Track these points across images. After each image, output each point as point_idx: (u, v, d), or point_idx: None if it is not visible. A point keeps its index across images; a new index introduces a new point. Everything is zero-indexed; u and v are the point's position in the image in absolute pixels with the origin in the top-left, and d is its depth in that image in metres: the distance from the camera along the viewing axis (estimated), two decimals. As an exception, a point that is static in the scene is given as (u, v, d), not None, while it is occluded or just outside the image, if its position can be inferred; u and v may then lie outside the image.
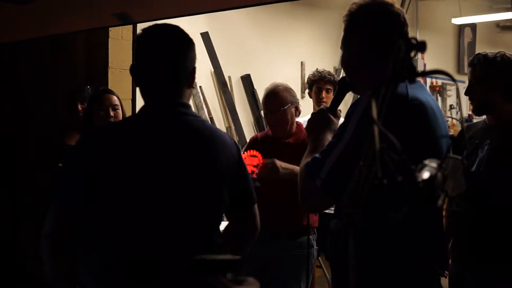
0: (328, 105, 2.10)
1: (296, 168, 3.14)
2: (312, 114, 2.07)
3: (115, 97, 3.38)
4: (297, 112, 3.42)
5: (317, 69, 4.22)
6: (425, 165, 1.02)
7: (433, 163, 1.02)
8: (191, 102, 3.44)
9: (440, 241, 1.93)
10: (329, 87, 4.08)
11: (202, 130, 1.95)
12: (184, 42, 1.95)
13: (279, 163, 3.15)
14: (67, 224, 1.84)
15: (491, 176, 2.63)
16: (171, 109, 1.92)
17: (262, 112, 3.52)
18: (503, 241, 2.60)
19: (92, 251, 1.91)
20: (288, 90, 3.40)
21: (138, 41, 1.96)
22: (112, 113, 3.31)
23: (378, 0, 1.88)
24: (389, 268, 1.75)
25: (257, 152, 3.20)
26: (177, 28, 1.96)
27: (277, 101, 3.33)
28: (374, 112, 1.00)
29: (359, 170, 1.08)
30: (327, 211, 4.05)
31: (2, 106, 4.80)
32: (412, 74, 0.97)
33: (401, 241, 1.72)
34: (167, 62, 1.91)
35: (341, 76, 2.07)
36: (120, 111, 3.35)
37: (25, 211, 4.64)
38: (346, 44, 1.94)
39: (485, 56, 2.73)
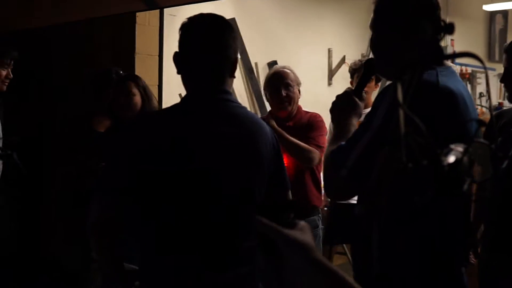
0: (363, 92, 2.03)
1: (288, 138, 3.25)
2: (337, 97, 2.02)
3: (131, 84, 3.36)
4: (299, 94, 3.50)
5: (359, 59, 4.26)
6: (451, 149, 0.99)
7: (459, 147, 1.00)
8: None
9: (465, 230, 1.88)
10: None
11: (245, 117, 2.00)
12: (228, 31, 1.99)
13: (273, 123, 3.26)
14: (110, 216, 1.88)
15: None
16: (214, 96, 1.97)
17: (267, 93, 3.52)
18: None
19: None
20: (293, 71, 3.49)
21: (184, 29, 1.99)
22: (123, 101, 3.31)
23: None
24: (412, 255, 1.70)
25: None
26: (221, 18, 2.01)
27: (290, 77, 3.42)
28: (400, 95, 0.98)
29: (384, 155, 1.06)
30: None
31: (36, 91, 4.86)
32: (439, 57, 0.95)
33: (425, 228, 1.67)
34: (212, 51, 1.96)
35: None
36: (136, 97, 3.34)
37: (50, 197, 4.70)
38: (376, 26, 1.88)
39: None
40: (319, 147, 3.34)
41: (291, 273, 1.04)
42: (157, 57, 4.40)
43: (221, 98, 1.98)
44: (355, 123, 1.92)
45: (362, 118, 1.94)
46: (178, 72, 2.02)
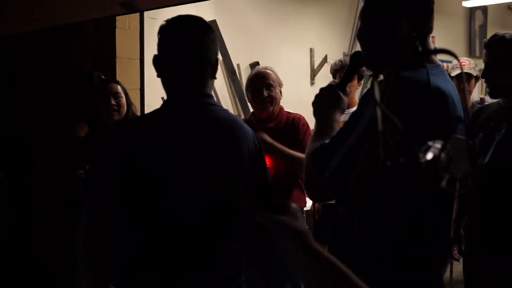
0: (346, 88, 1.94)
1: (284, 150, 3.22)
2: (321, 89, 1.92)
3: (116, 85, 3.38)
4: (281, 95, 3.50)
5: (340, 59, 4.27)
6: (429, 146, 1.00)
7: (437, 144, 1.01)
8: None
9: (446, 228, 1.85)
10: None
11: (227, 120, 2.00)
12: (208, 33, 1.98)
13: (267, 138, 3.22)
14: (102, 224, 1.87)
15: (509, 159, 2.60)
16: (196, 100, 1.96)
17: (248, 94, 3.53)
18: None
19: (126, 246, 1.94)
20: (274, 72, 3.50)
21: (162, 32, 1.98)
22: (113, 101, 3.31)
23: None
24: (393, 254, 1.66)
25: None
26: (200, 19, 2.00)
27: (272, 78, 3.43)
28: (377, 94, 0.99)
29: (363, 153, 1.06)
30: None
31: (18, 95, 4.81)
32: (415, 53, 0.95)
33: (406, 226, 1.64)
34: (192, 53, 1.95)
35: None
36: (123, 99, 3.35)
37: (37, 202, 4.66)
38: (363, 15, 1.80)
39: (502, 37, 2.68)
40: None
41: (285, 260, 1.04)
42: (138, 61, 4.39)
43: (203, 102, 1.98)
44: (338, 119, 1.85)
45: (346, 118, 1.87)
46: (158, 76, 2.00)
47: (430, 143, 1.01)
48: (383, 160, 0.98)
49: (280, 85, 3.49)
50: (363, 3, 1.81)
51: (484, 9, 8.86)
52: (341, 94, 1.87)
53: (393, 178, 0.98)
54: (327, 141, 1.69)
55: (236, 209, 1.96)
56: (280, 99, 3.50)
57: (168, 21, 1.98)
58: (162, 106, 2.01)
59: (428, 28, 1.74)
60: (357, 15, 6.80)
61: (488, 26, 8.90)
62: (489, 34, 3.02)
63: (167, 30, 1.97)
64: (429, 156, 0.96)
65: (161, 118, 1.96)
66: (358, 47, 1.89)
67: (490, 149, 2.67)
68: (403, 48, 1.00)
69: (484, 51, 2.76)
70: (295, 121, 3.47)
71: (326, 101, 1.87)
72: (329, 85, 1.91)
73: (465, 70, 4.27)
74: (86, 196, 1.90)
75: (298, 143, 3.34)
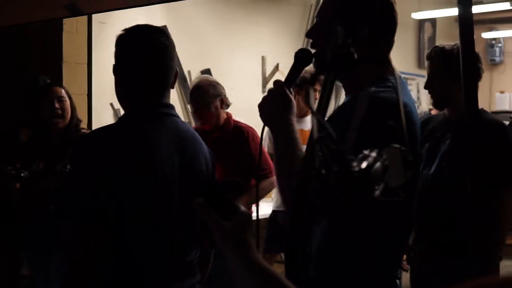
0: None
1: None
2: (269, 91, 1.73)
3: (60, 89, 3.33)
4: (224, 104, 3.50)
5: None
6: (364, 155, 1.00)
7: (372, 153, 1.00)
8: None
9: (395, 237, 1.73)
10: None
11: (186, 132, 2.01)
12: (167, 43, 1.97)
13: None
14: (89, 249, 1.77)
15: (453, 171, 2.64)
16: (158, 110, 1.95)
17: (189, 106, 3.58)
18: (463, 237, 2.61)
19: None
20: (211, 83, 3.49)
21: (121, 41, 1.96)
22: (57, 105, 3.25)
23: None
24: (337, 263, 1.63)
25: None
26: (159, 29, 2.01)
27: (200, 95, 3.44)
28: (312, 102, 0.98)
29: (302, 165, 1.05)
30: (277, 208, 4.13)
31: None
32: (349, 62, 0.95)
33: (353, 238, 1.58)
34: (153, 63, 1.94)
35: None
36: (67, 103, 3.29)
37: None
38: (318, 15, 1.74)
39: (442, 49, 2.73)
40: (270, 172, 3.38)
41: (230, 269, 1.02)
42: (85, 66, 4.31)
43: (165, 112, 1.97)
44: (295, 124, 1.68)
45: (301, 126, 1.77)
46: (118, 85, 1.98)
47: (366, 152, 1.01)
48: (317, 168, 0.97)
49: (220, 94, 3.49)
50: (321, 2, 1.75)
51: (433, 21, 9.05)
52: (289, 94, 1.69)
53: (328, 187, 0.97)
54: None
55: (195, 221, 1.95)
56: (222, 109, 3.50)
57: (126, 30, 1.96)
58: (124, 116, 1.98)
59: (385, 36, 1.76)
60: (309, 23, 6.87)
61: (437, 38, 9.09)
62: (439, 46, 3.07)
63: (126, 39, 1.95)
64: (363, 165, 0.95)
65: (123, 130, 1.92)
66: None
67: (436, 160, 2.71)
68: (338, 53, 0.99)
69: (426, 62, 2.80)
70: (244, 133, 3.46)
71: (276, 104, 1.67)
72: (276, 85, 1.71)
73: None
74: (64, 215, 1.81)
75: (246, 156, 3.34)
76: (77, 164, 1.88)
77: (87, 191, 1.78)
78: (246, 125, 3.55)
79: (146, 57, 1.93)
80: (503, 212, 2.75)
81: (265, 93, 5.04)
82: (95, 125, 4.24)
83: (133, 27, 1.98)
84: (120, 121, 2.02)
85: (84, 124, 4.21)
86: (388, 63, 1.69)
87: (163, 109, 1.97)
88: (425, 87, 2.79)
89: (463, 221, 2.60)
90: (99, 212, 1.77)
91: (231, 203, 1.08)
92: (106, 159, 1.81)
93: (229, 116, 3.55)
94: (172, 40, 2.01)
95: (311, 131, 0.98)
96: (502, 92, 9.40)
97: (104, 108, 4.90)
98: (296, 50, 1.68)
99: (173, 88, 2.02)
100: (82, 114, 4.24)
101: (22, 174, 3.07)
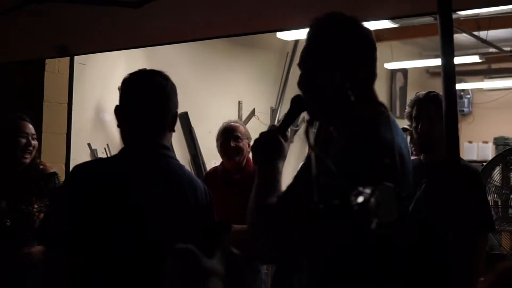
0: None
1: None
2: (261, 134, 1.83)
3: (31, 126, 3.29)
4: (249, 148, 3.58)
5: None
6: (359, 191, 1.05)
7: (367, 190, 1.06)
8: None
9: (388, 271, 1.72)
10: None
11: (182, 174, 2.04)
12: (169, 86, 2.05)
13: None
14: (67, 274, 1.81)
15: (429, 215, 2.68)
16: (154, 151, 2.00)
17: (218, 144, 3.67)
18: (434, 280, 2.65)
19: None
20: (244, 126, 3.73)
21: (125, 84, 2.05)
22: (33, 143, 3.23)
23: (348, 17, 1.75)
24: None
25: None
26: (162, 74, 2.07)
27: (241, 131, 3.62)
28: (311, 139, 1.03)
29: (297, 197, 1.10)
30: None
31: None
32: (345, 105, 1.00)
33: (347, 272, 1.58)
34: (154, 106, 2.01)
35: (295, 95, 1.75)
36: (36, 141, 3.28)
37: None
38: (303, 63, 1.76)
39: (418, 97, 2.83)
40: None
41: None
42: (66, 106, 4.32)
43: (160, 153, 2.01)
44: (281, 168, 1.75)
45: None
46: (118, 126, 2.04)
47: (360, 188, 1.06)
48: (316, 202, 1.02)
49: (249, 138, 3.62)
50: (303, 50, 1.78)
51: (404, 71, 9.29)
52: (282, 140, 1.77)
53: (326, 221, 1.02)
54: (276, 197, 1.62)
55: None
56: (248, 152, 3.58)
57: (131, 74, 2.05)
58: (120, 153, 2.03)
59: (371, 77, 1.80)
60: (285, 70, 6.98)
61: (408, 88, 9.31)
62: (409, 95, 3.18)
63: (130, 82, 2.04)
64: (360, 199, 1.00)
65: (116, 166, 1.97)
66: (285, 102, 1.88)
67: (411, 205, 2.76)
68: (336, 97, 1.05)
69: (420, 107, 2.88)
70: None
71: (265, 147, 1.78)
72: (270, 130, 1.83)
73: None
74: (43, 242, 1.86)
75: None
76: (64, 192, 1.96)
77: (69, 222, 1.83)
78: None
79: (144, 99, 2.01)
80: (476, 258, 2.80)
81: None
82: (72, 165, 4.22)
83: (137, 71, 2.07)
84: (113, 156, 2.08)
85: (62, 163, 4.21)
86: (381, 104, 1.76)
87: (158, 150, 2.01)
88: (415, 131, 2.87)
89: (437, 263, 2.65)
90: (78, 243, 1.81)
91: (215, 242, 1.12)
92: (89, 192, 1.85)
93: (249, 160, 3.63)
94: (173, 84, 2.08)
95: (310, 166, 1.03)
96: (470, 142, 9.62)
97: (82, 149, 4.90)
98: (272, 96, 1.74)
99: (173, 130, 2.07)
100: (60, 153, 4.25)
101: None
